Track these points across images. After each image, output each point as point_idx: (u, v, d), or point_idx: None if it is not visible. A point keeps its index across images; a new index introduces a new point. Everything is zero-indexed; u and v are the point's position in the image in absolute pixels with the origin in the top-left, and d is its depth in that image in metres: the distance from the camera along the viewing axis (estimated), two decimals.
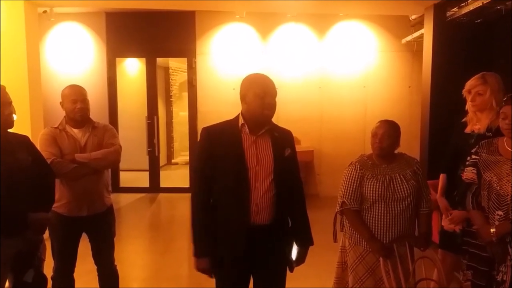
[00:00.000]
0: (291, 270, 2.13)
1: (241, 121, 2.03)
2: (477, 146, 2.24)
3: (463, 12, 4.47)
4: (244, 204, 1.97)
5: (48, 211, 2.33)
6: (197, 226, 2.04)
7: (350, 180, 2.38)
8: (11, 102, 2.21)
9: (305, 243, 2.15)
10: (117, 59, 7.26)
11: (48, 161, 2.44)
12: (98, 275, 2.84)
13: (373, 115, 6.45)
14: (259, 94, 1.95)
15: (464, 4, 4.41)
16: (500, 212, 2.05)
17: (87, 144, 2.67)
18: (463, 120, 2.73)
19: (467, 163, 2.26)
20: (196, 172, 2.08)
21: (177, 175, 8.38)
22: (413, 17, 6.14)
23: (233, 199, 2.00)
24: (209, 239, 2.01)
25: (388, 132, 2.32)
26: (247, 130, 2.02)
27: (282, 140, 2.08)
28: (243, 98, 2.02)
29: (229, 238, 2.02)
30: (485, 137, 2.43)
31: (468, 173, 2.23)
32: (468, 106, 2.65)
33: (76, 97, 2.64)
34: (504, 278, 2.03)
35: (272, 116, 2.03)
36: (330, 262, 2.77)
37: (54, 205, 2.47)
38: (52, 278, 2.66)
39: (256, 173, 1.98)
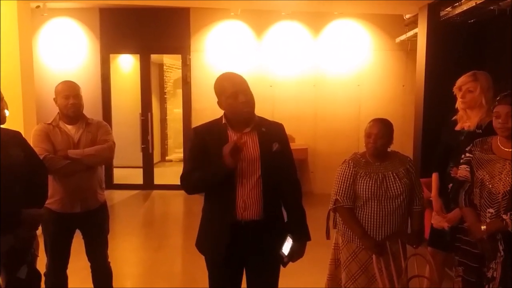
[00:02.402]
0: (284, 265, 2.09)
1: (223, 120, 2.04)
2: (471, 144, 2.26)
3: (456, 12, 4.49)
4: (229, 201, 1.97)
5: (42, 207, 2.32)
6: (196, 176, 2.00)
7: (344, 178, 2.39)
8: (3, 98, 2.19)
9: (301, 237, 2.08)
10: (111, 55, 7.22)
11: (41, 157, 2.42)
12: (92, 272, 2.83)
13: (367, 114, 6.47)
14: (232, 96, 1.95)
15: (457, 4, 4.43)
16: (491, 210, 2.07)
17: (81, 141, 2.66)
18: (453, 118, 2.76)
19: (461, 160, 2.28)
20: (183, 171, 2.08)
21: (171, 172, 8.35)
22: (407, 16, 6.16)
23: (219, 196, 2.02)
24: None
25: (382, 132, 2.33)
26: (230, 128, 2.03)
27: (270, 135, 2.05)
28: (219, 103, 2.03)
29: (216, 234, 2.03)
30: (475, 134, 2.46)
31: (462, 171, 2.24)
32: (458, 103, 2.68)
33: (69, 92, 2.63)
34: (494, 275, 2.05)
35: (252, 112, 2.01)
36: (323, 259, 2.78)
37: (47, 201, 2.45)
38: (45, 274, 2.65)
39: (242, 169, 1.98)
